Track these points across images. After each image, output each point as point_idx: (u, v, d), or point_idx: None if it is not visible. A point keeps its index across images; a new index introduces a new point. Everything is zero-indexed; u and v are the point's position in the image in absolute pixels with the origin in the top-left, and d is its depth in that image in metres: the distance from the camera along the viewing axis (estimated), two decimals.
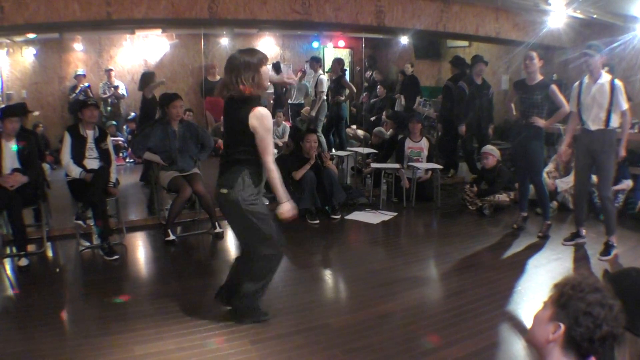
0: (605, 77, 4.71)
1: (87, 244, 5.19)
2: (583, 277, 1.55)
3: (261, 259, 3.40)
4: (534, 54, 5.09)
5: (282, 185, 3.26)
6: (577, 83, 4.97)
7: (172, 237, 5.32)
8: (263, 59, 3.19)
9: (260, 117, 3.13)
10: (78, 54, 10.52)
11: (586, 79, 4.83)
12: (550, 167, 6.57)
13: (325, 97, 8.69)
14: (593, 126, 4.78)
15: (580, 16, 6.95)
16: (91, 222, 5.17)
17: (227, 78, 3.17)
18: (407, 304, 3.92)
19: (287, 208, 3.28)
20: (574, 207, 5.28)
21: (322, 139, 8.32)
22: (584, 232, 5.17)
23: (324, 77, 8.79)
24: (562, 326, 1.47)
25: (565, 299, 1.49)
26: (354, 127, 10.01)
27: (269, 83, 3.34)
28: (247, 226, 3.30)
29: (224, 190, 3.25)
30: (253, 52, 3.22)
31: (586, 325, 1.44)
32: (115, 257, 4.86)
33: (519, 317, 3.67)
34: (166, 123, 5.41)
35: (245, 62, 3.12)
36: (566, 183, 6.34)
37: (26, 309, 3.82)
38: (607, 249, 4.81)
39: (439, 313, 3.80)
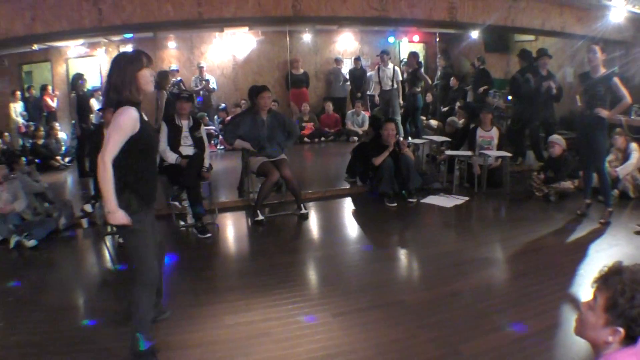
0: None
1: (182, 223, 5.62)
2: (628, 278, 1.56)
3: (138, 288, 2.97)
4: (597, 48, 5.12)
5: (112, 190, 2.69)
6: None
7: (260, 217, 5.67)
8: (139, 61, 2.87)
9: (117, 114, 2.78)
10: (171, 51, 11.28)
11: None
12: (611, 156, 6.49)
13: (396, 86, 9.11)
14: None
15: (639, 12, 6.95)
16: (186, 204, 5.64)
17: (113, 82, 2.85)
18: (476, 283, 4.07)
19: (116, 215, 2.72)
20: None
21: (399, 123, 8.65)
22: None
23: (397, 68, 9.22)
24: (622, 330, 1.54)
25: (620, 310, 1.53)
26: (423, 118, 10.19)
27: (151, 88, 3.00)
28: (132, 245, 2.93)
29: None
30: (132, 54, 2.96)
31: None
32: (208, 235, 5.27)
33: (581, 299, 3.67)
34: (255, 113, 5.76)
35: (125, 66, 2.83)
36: (626, 168, 6.28)
37: (123, 280, 4.09)
38: None
39: (506, 293, 3.93)
